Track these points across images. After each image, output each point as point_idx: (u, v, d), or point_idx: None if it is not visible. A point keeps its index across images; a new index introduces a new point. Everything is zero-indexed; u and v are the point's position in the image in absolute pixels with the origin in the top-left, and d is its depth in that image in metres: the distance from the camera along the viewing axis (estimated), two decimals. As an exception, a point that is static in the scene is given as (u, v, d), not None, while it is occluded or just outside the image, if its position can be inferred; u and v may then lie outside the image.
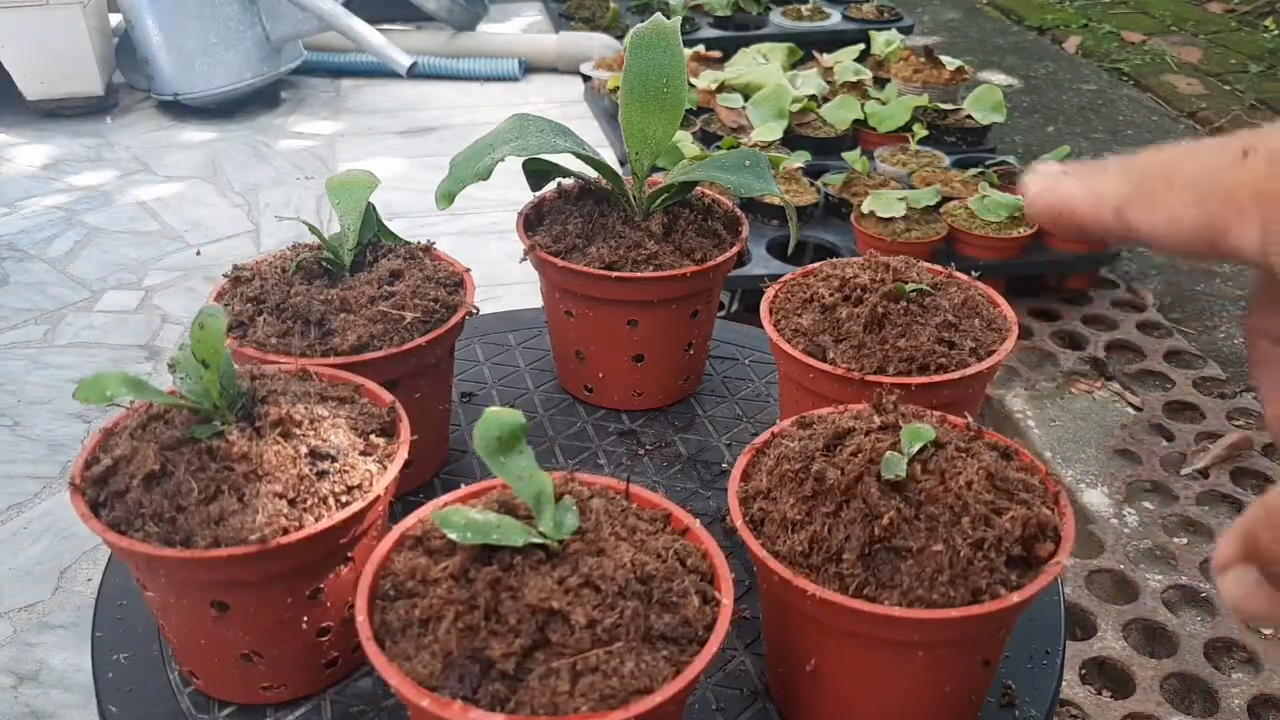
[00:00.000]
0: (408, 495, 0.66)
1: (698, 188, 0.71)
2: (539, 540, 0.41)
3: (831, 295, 0.60)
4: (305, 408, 0.50)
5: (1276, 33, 3.14)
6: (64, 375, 1.64)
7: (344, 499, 0.48)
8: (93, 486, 0.48)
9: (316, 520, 0.46)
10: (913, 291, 0.59)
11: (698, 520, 0.46)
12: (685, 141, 1.91)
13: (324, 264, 0.63)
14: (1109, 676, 1.18)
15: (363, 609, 0.42)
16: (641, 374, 0.71)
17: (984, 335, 0.58)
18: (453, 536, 0.41)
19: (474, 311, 0.63)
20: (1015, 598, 0.41)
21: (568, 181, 0.72)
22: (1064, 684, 1.06)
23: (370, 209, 0.65)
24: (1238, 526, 0.30)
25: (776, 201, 1.78)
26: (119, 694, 0.52)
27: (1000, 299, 0.62)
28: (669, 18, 2.88)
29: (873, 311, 0.57)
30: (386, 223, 0.67)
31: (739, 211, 0.72)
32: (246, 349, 0.58)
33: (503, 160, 0.62)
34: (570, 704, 0.37)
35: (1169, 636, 1.21)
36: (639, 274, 0.65)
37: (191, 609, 0.48)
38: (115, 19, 2.65)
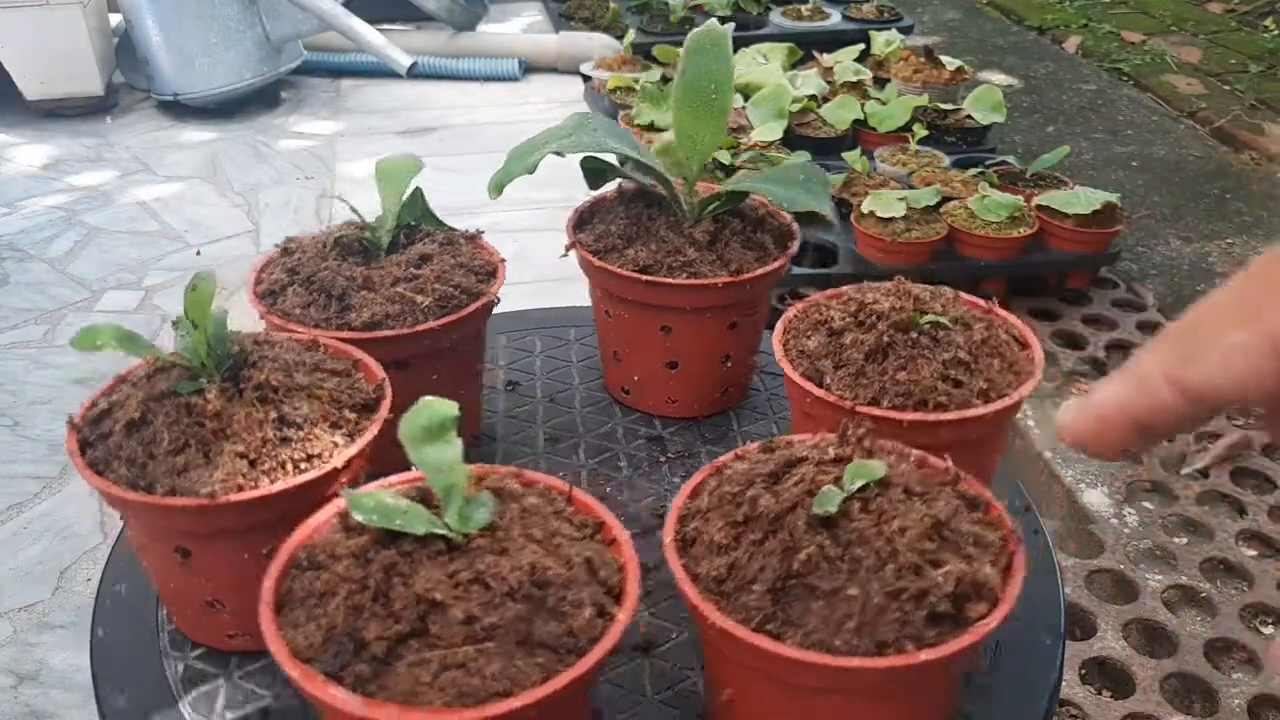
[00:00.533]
0: None
1: (754, 197, 0.69)
2: (441, 531, 0.42)
3: (843, 319, 0.58)
4: (288, 376, 0.52)
5: (1276, 33, 3.14)
6: (64, 375, 1.64)
7: (302, 466, 0.49)
8: (87, 426, 0.51)
9: (271, 483, 0.48)
10: (928, 323, 0.56)
11: (627, 532, 0.45)
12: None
13: (363, 243, 0.65)
14: (1109, 676, 1.18)
15: (274, 574, 0.43)
16: (676, 381, 0.70)
17: (1000, 377, 0.55)
18: (359, 518, 0.42)
19: (496, 301, 0.63)
20: (923, 656, 0.38)
21: (628, 183, 0.71)
22: (1064, 684, 1.06)
23: (417, 194, 0.66)
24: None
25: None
26: (118, 694, 0.53)
27: (1033, 340, 0.58)
28: (670, 18, 2.86)
29: (878, 340, 0.55)
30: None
31: (794, 226, 0.70)
32: (273, 316, 0.60)
33: (557, 156, 0.64)
34: (427, 696, 0.38)
35: (1169, 636, 1.21)
36: (668, 279, 0.64)
37: (161, 552, 0.51)
38: (115, 19, 2.65)
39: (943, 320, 0.56)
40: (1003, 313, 0.60)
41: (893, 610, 0.39)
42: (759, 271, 0.65)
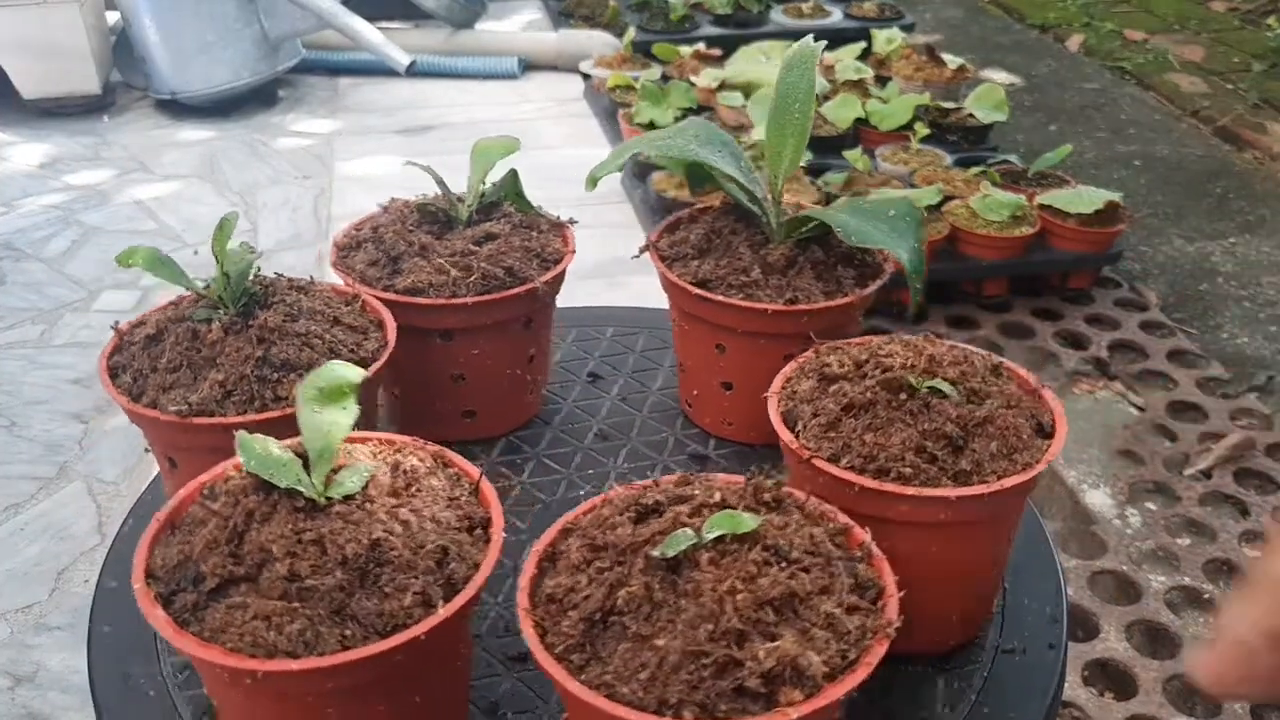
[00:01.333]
0: (469, 444, 0.69)
1: None
2: (302, 490, 0.44)
3: (843, 368, 0.54)
4: (292, 322, 0.56)
5: (1279, 31, 3.13)
6: (61, 375, 1.63)
7: (269, 405, 0.54)
8: (123, 338, 0.58)
9: (240, 414, 0.53)
10: (926, 388, 0.51)
11: (503, 535, 0.46)
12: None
13: (445, 214, 0.67)
14: (1111, 678, 1.18)
15: (182, 496, 0.47)
16: (730, 403, 0.68)
17: (990, 462, 0.49)
18: (239, 460, 0.45)
19: (540, 289, 0.64)
20: None
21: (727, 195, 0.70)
22: (1066, 685, 1.05)
23: (512, 175, 0.68)
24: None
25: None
26: (116, 693, 0.52)
27: (1060, 429, 0.51)
28: (670, 16, 2.85)
29: (860, 395, 0.51)
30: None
31: (884, 265, 0.65)
32: (340, 267, 0.65)
33: (643, 157, 0.64)
34: (223, 638, 0.40)
35: (1172, 638, 1.21)
36: (717, 296, 0.62)
37: (160, 457, 0.58)
38: (113, 17, 2.64)
39: (942, 387, 0.51)
40: (1047, 395, 0.54)
41: (686, 671, 0.37)
42: (813, 305, 0.61)
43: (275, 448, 0.46)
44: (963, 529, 0.50)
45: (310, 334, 0.57)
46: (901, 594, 0.42)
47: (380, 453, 0.50)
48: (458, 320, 0.63)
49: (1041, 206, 1.75)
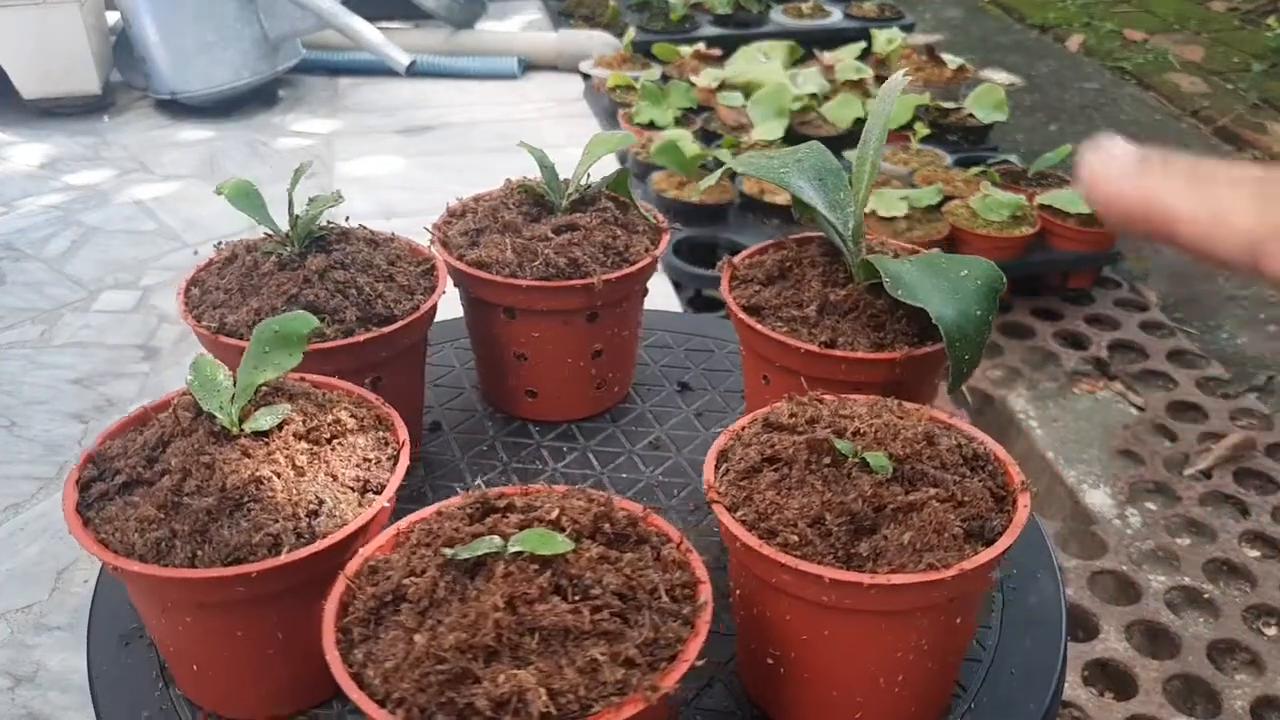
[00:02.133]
0: (529, 421, 0.72)
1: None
2: (218, 416, 0.48)
3: (791, 418, 0.51)
4: (336, 270, 0.61)
5: (1279, 31, 3.13)
6: (61, 375, 1.63)
7: (321, 333, 0.58)
8: (211, 262, 0.65)
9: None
10: (855, 458, 0.46)
11: (389, 506, 0.48)
12: (685, 140, 1.91)
13: (543, 199, 0.69)
14: (1111, 678, 1.17)
15: (162, 400, 0.52)
16: None
17: (896, 553, 0.43)
18: (185, 381, 0.50)
19: (596, 286, 0.64)
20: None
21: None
22: (1066, 685, 1.05)
23: (621, 172, 0.70)
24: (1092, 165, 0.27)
25: (783, 201, 1.77)
26: (115, 693, 0.52)
27: (1004, 541, 0.44)
28: (670, 16, 2.85)
29: (786, 449, 0.48)
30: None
31: (941, 330, 0.61)
32: (437, 232, 0.69)
33: (729, 173, 0.64)
34: (103, 528, 0.46)
35: (1171, 638, 1.20)
36: (758, 325, 0.59)
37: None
38: (113, 17, 2.64)
39: (873, 460, 0.46)
40: (1022, 501, 0.46)
41: (421, 671, 0.37)
42: (849, 353, 0.57)
43: (222, 374, 0.50)
44: (858, 618, 0.44)
45: (348, 283, 0.61)
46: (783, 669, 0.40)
47: (335, 402, 0.52)
48: (516, 300, 0.65)
49: (1042, 206, 1.75)
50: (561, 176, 0.70)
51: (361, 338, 0.59)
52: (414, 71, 2.51)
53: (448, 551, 0.40)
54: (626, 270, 0.65)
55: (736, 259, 0.65)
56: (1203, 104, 2.66)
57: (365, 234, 0.67)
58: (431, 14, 2.79)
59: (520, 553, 0.40)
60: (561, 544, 0.40)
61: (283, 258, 0.62)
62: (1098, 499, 1.42)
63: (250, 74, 2.48)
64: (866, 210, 1.79)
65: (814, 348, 0.57)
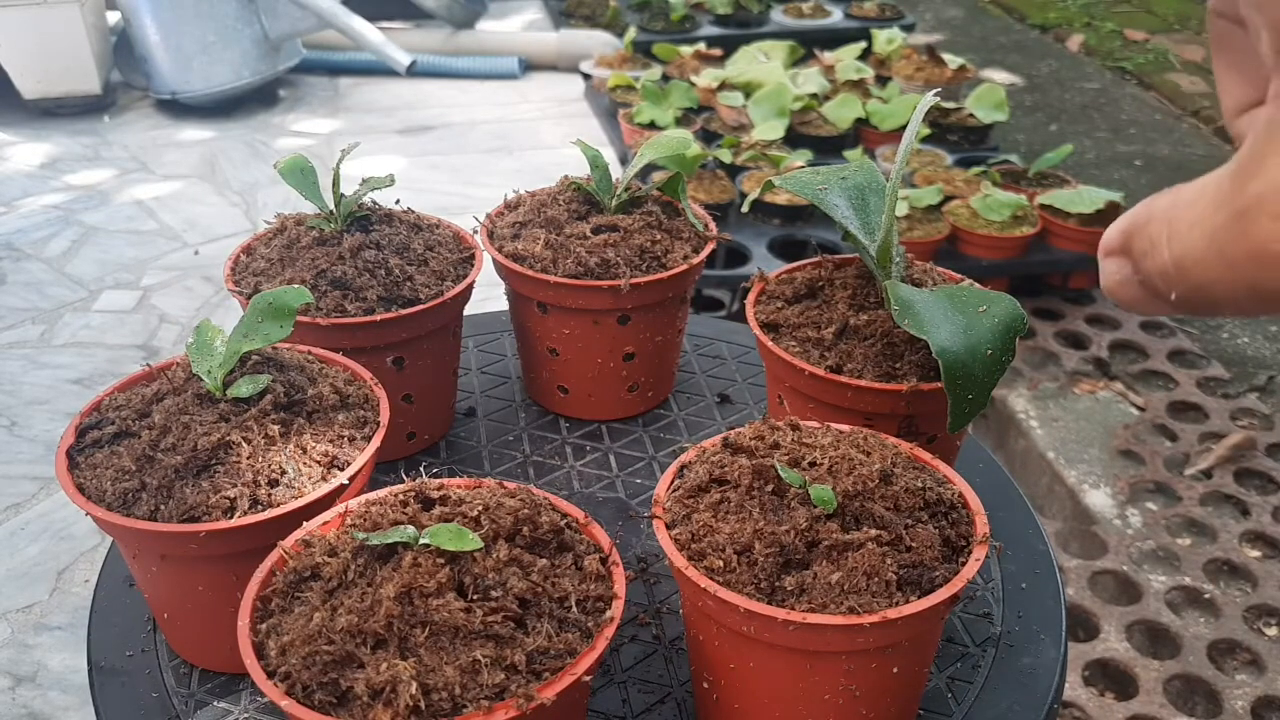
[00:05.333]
0: (560, 416, 0.72)
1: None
2: (204, 380, 0.50)
3: (751, 440, 0.50)
4: (369, 250, 0.63)
5: (1279, 31, 3.13)
6: (61, 375, 1.63)
7: (311, 313, 0.60)
8: (264, 234, 0.68)
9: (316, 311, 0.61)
10: (799, 488, 0.45)
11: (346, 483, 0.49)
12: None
13: (593, 198, 0.70)
14: (1112, 678, 1.17)
15: (176, 359, 0.54)
16: None
17: (821, 591, 0.42)
18: (186, 344, 0.52)
19: (622, 289, 0.65)
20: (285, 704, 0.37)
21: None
22: (1066, 685, 1.05)
23: (675, 177, 0.70)
24: (1124, 221, 0.28)
25: (783, 201, 1.77)
26: (115, 692, 0.52)
27: (941, 595, 0.42)
28: (671, 16, 2.83)
29: (731, 471, 0.47)
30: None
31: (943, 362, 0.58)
32: (488, 222, 0.71)
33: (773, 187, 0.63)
34: (84, 474, 0.49)
35: (1172, 638, 1.20)
36: (770, 342, 0.58)
37: None
38: (113, 17, 2.64)
39: (817, 494, 0.44)
40: (975, 554, 0.44)
41: (309, 648, 0.38)
42: (853, 380, 0.55)
43: (219, 340, 0.51)
44: (781, 654, 0.43)
45: (378, 263, 0.63)
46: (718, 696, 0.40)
47: (327, 376, 0.54)
48: (547, 295, 0.66)
49: (1042, 206, 1.75)
50: (577, 176, 0.71)
51: (378, 317, 0.60)
52: (414, 71, 2.51)
53: (360, 536, 0.41)
54: (657, 275, 0.65)
55: (763, 275, 0.64)
56: (1203, 104, 2.66)
57: (411, 218, 0.69)
58: (432, 14, 2.80)
59: (428, 546, 0.40)
60: (471, 542, 0.40)
61: (323, 233, 0.64)
62: (1098, 499, 1.42)
63: (251, 74, 2.48)
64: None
65: (819, 371, 0.55)
